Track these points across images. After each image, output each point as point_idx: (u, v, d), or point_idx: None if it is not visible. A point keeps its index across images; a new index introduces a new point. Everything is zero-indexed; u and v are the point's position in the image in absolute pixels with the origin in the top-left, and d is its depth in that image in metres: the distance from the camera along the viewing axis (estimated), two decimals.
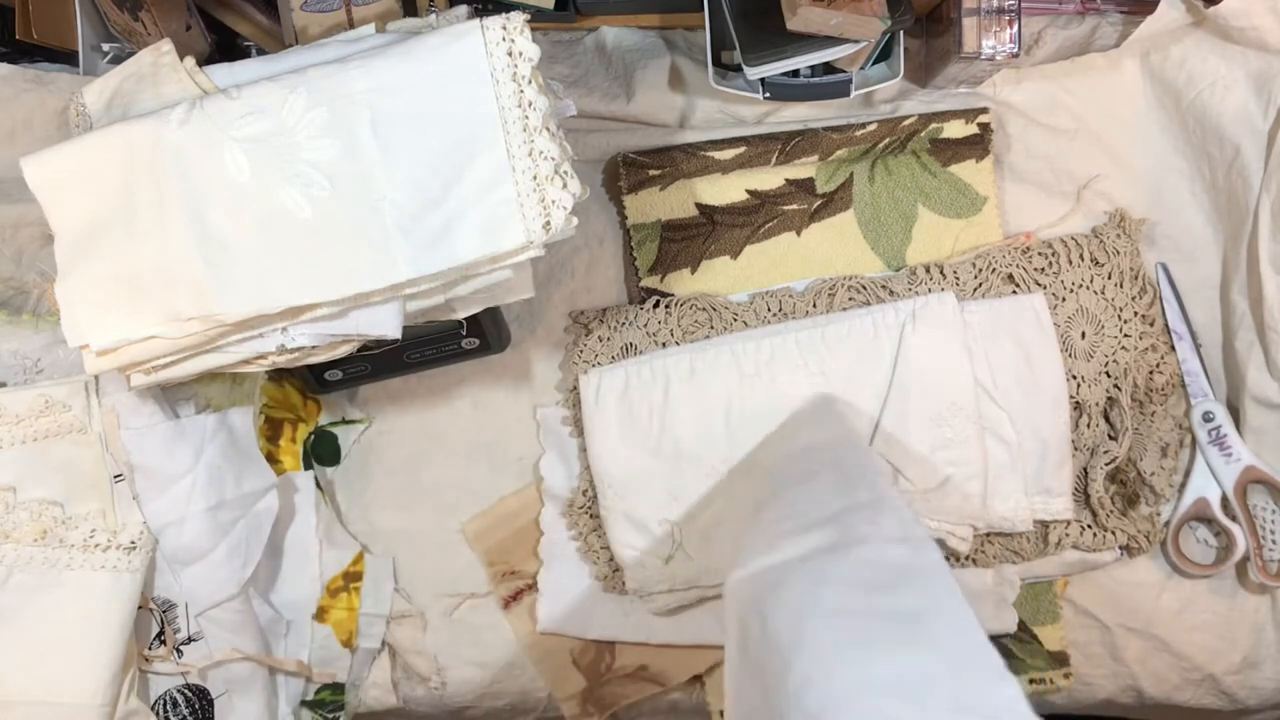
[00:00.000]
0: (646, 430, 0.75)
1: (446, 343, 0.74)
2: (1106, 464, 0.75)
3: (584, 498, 0.78)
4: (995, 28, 0.70)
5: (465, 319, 0.69)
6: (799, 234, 0.78)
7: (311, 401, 0.80)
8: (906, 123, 0.76)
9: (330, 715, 0.77)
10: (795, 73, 0.72)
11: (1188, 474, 0.78)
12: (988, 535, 0.76)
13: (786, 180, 0.78)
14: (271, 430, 0.77)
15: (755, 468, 0.74)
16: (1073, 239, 0.77)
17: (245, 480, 0.70)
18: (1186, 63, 0.76)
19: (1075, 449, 0.76)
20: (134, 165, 0.57)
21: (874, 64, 0.75)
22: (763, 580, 0.53)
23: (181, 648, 0.71)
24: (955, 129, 0.77)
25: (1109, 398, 0.77)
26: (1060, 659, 0.77)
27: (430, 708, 0.81)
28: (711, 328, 0.77)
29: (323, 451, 0.80)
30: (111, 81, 0.61)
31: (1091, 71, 0.79)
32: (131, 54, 0.63)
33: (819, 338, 0.74)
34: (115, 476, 0.67)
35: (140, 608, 0.68)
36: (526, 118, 0.58)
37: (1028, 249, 0.77)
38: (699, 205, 0.78)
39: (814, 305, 0.77)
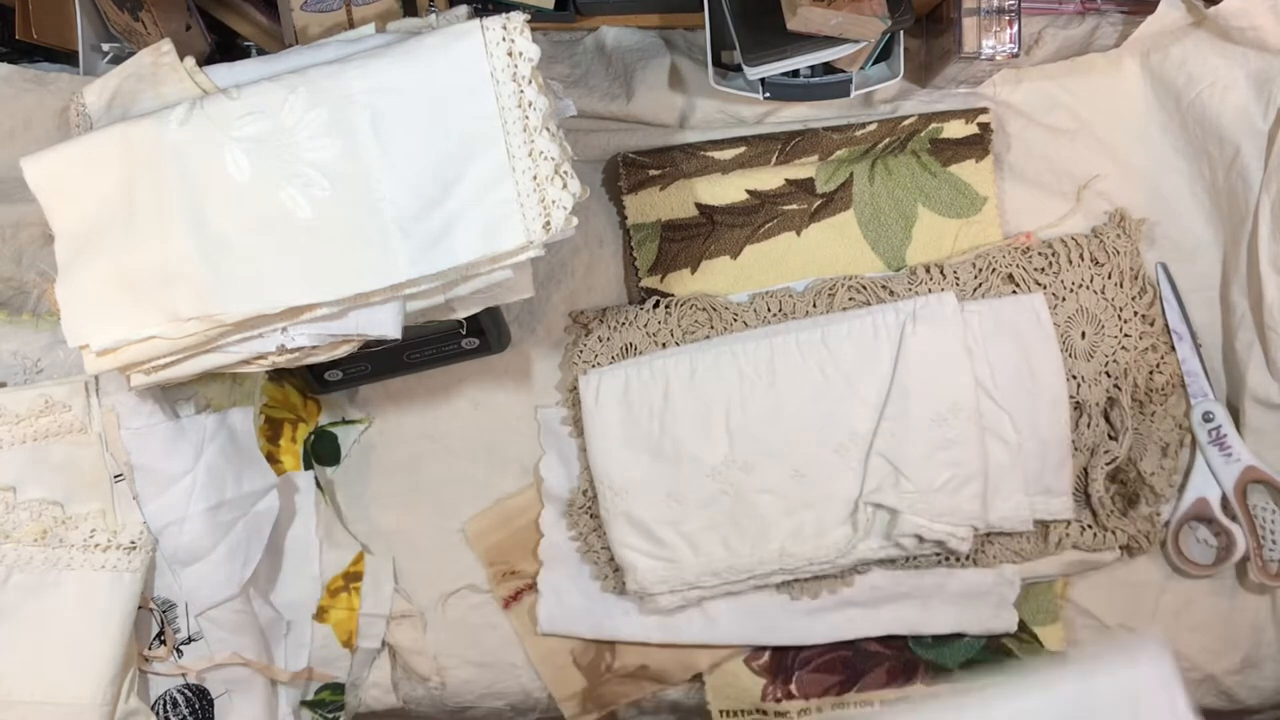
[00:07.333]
0: (647, 431, 0.75)
1: (446, 343, 0.74)
2: (1107, 464, 0.75)
3: (584, 498, 0.78)
4: (995, 28, 0.70)
5: (465, 319, 0.69)
6: (799, 234, 0.78)
7: (311, 401, 0.80)
8: (906, 123, 0.76)
9: (330, 715, 0.77)
10: (795, 73, 0.72)
11: (1188, 474, 0.78)
12: (988, 535, 0.76)
13: (786, 180, 0.78)
14: (271, 430, 0.77)
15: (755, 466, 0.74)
16: (1073, 239, 0.77)
17: (245, 480, 0.70)
18: (1186, 63, 0.76)
19: (1075, 449, 0.76)
20: (134, 165, 0.57)
21: (874, 64, 0.74)
22: None
23: (181, 648, 0.71)
24: (955, 129, 0.77)
25: (1109, 398, 0.77)
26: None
27: (430, 708, 0.81)
28: (711, 328, 0.77)
29: (323, 451, 0.80)
30: (111, 81, 0.61)
31: (1091, 71, 0.79)
32: (131, 54, 0.63)
33: (819, 338, 0.74)
34: (115, 476, 0.67)
35: (140, 608, 0.68)
36: (526, 118, 0.58)
37: (1028, 249, 0.77)
38: (699, 205, 0.78)
39: (814, 305, 0.77)
